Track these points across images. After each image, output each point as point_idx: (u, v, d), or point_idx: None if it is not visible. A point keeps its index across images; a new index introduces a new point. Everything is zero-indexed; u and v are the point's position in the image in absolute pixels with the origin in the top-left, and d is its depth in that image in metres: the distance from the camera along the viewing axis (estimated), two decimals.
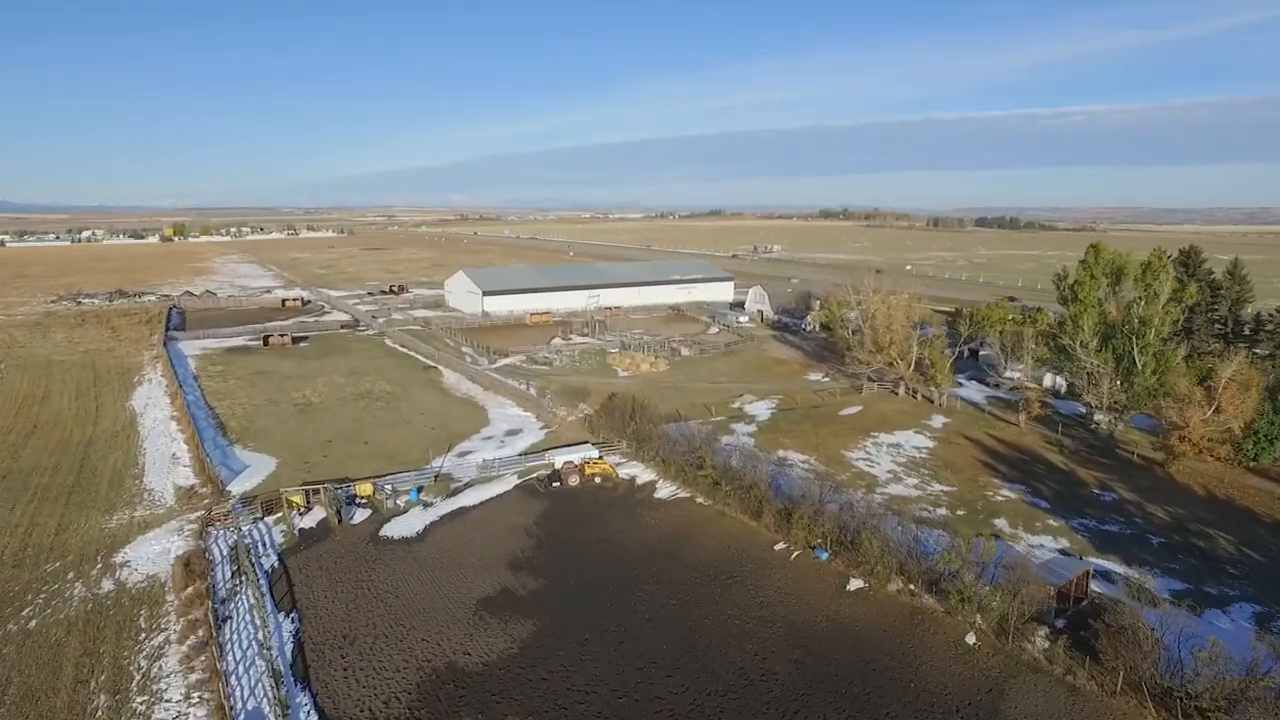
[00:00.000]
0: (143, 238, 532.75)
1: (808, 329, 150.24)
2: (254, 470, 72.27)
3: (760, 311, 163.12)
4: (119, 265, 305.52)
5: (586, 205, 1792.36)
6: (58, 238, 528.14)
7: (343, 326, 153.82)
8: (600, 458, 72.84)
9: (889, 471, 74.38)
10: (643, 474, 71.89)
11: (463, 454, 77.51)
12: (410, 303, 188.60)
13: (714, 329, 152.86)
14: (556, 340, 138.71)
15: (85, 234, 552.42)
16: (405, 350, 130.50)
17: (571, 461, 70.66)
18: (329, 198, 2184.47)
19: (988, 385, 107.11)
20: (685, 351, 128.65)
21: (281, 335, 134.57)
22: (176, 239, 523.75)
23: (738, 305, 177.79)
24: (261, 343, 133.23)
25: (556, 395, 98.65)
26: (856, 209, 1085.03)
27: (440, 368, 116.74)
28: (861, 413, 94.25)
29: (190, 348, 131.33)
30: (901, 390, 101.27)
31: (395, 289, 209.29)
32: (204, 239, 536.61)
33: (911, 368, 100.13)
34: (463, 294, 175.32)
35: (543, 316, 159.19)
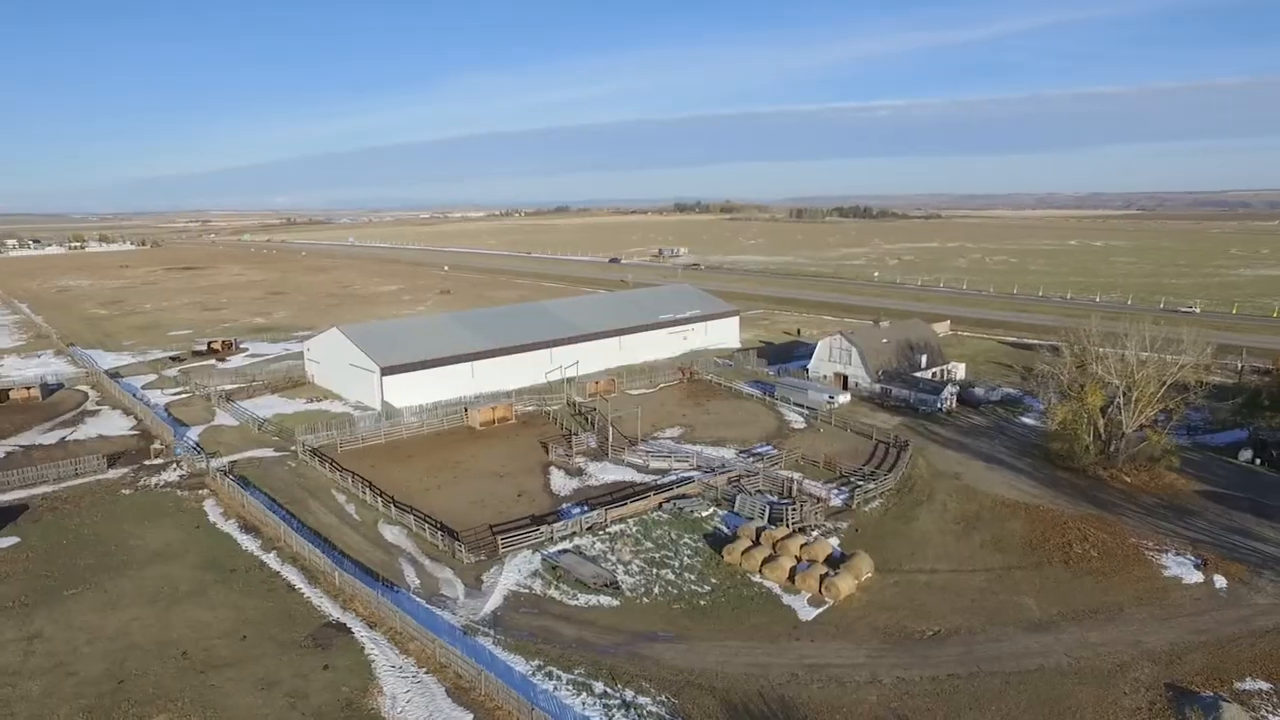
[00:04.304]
0: None
1: (944, 408, 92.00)
2: None
3: (844, 376, 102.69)
4: None
5: (417, 205, 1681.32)
6: None
7: (112, 462, 77.46)
8: None
9: None
10: None
11: None
12: (246, 378, 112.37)
13: (789, 414, 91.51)
14: (578, 459, 72.48)
15: None
16: (258, 550, 58.77)
17: None
18: (129, 202, 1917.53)
19: None
20: (836, 501, 66.43)
21: None
22: None
23: (777, 353, 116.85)
24: None
25: None
26: (711, 201, 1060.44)
27: (362, 638, 47.36)
28: None
29: None
30: None
31: (217, 347, 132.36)
32: None
33: None
34: (341, 369, 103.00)
35: (499, 410, 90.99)
